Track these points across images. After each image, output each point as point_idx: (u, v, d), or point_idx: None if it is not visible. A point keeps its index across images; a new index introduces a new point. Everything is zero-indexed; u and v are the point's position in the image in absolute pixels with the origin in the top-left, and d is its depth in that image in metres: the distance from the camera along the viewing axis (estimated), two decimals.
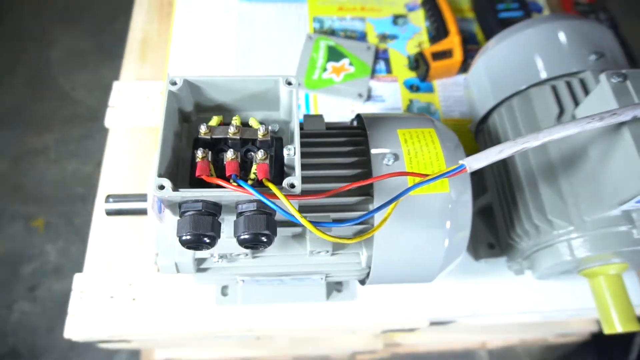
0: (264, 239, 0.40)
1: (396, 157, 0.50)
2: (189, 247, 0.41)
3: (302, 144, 0.46)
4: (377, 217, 0.49)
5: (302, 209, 0.49)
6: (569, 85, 0.58)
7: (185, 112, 0.48)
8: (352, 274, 0.56)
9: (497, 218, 0.65)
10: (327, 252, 0.50)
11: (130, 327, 0.64)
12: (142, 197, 0.56)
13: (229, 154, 0.44)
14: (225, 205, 0.42)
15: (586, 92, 0.56)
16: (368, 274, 0.55)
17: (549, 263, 0.57)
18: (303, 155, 0.46)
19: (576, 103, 0.56)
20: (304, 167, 0.44)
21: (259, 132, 0.45)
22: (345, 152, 0.52)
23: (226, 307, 0.65)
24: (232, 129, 0.44)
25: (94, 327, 0.64)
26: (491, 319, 0.68)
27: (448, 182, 0.50)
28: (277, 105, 0.49)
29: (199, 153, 0.44)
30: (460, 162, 0.43)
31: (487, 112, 0.66)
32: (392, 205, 0.44)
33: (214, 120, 0.46)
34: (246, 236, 0.40)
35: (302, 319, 0.65)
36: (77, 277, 0.68)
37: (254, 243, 0.41)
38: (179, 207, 0.41)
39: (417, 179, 0.44)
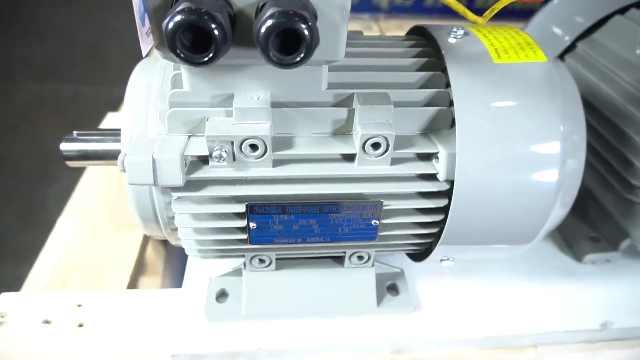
0: (303, 26, 0.25)
1: (466, 33, 0.38)
2: (179, 52, 0.26)
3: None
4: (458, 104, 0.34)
5: (347, 85, 0.35)
6: None
7: None
8: (418, 211, 0.37)
9: (598, 184, 0.48)
10: (386, 148, 0.33)
11: None
12: (115, 134, 0.41)
13: None
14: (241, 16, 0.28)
15: None
16: (442, 225, 0.37)
17: None
18: (352, 54, 0.35)
19: None
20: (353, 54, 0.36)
21: None
22: (401, 39, 0.40)
23: (221, 326, 0.42)
24: None
25: None
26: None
27: (543, 52, 0.36)
28: None
29: None
30: None
31: None
32: None
33: None
34: (273, 20, 0.25)
35: (339, 340, 0.41)
36: (3, 297, 0.46)
37: (287, 34, 0.25)
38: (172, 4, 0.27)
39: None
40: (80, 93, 2.35)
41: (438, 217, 0.37)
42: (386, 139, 0.32)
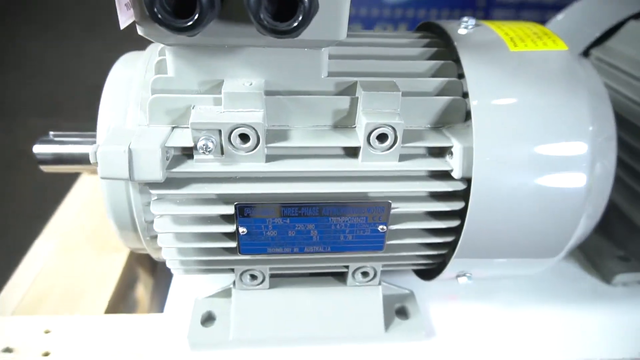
0: None
1: (477, 24, 0.35)
2: (158, 13, 0.23)
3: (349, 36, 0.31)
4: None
5: (349, 73, 0.31)
6: None
7: None
8: (431, 216, 0.32)
9: (624, 196, 0.44)
10: (394, 140, 0.29)
11: None
12: (92, 137, 0.37)
13: None
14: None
15: None
16: (458, 235, 0.32)
17: None
18: (354, 44, 0.33)
19: None
20: (355, 44, 0.33)
21: None
22: (409, 33, 0.37)
23: (206, 354, 0.36)
24: None
25: None
26: None
27: (562, 40, 0.34)
28: None
29: None
30: None
31: None
32: None
33: None
34: None
35: None
36: None
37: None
38: None
39: None
40: (82, 131, 2.34)
41: (453, 223, 0.32)
42: (394, 129, 0.29)
